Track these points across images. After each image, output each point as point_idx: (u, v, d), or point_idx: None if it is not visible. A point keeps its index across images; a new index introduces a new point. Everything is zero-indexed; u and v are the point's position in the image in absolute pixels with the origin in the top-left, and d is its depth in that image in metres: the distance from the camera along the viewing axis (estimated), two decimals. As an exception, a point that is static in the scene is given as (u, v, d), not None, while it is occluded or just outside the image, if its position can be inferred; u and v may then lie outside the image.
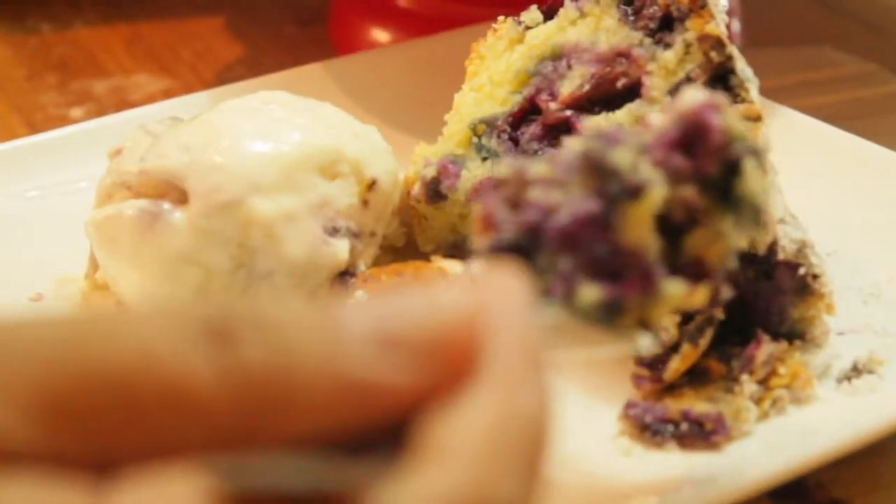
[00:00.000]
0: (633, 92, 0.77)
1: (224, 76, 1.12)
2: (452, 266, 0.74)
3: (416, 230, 0.82)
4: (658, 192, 0.53)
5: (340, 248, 0.76)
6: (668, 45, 0.76)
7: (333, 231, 0.77)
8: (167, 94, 1.09)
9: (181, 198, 0.76)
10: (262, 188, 0.75)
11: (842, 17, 1.21)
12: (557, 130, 0.78)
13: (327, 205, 0.77)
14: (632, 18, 0.79)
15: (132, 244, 0.76)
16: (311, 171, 0.77)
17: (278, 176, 0.76)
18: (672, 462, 0.69)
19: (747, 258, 0.72)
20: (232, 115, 0.79)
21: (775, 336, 0.73)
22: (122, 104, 1.07)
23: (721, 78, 0.74)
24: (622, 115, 0.76)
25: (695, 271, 0.55)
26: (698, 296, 0.55)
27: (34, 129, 1.04)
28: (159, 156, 0.77)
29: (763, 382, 0.72)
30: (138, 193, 0.77)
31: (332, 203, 0.77)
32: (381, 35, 1.11)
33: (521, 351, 0.43)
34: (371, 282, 0.73)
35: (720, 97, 0.56)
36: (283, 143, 0.77)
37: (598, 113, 0.77)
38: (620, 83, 0.77)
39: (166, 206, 0.76)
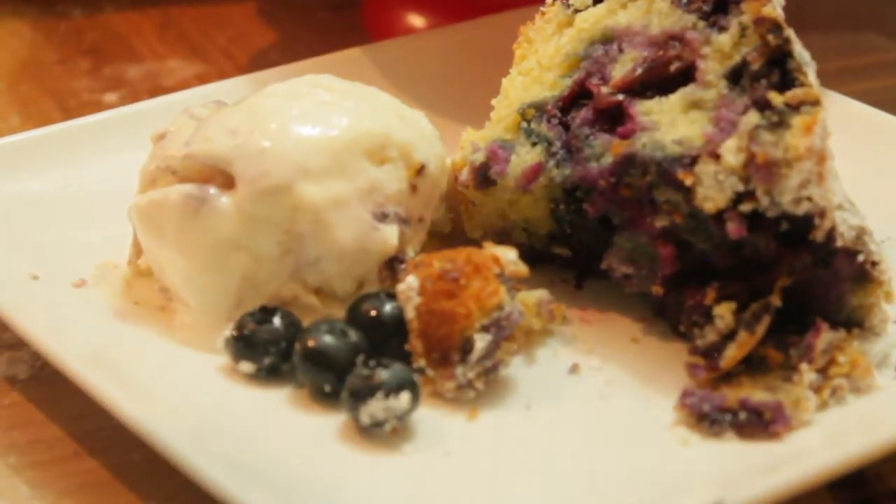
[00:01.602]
0: (686, 76, 0.75)
1: (258, 61, 1.11)
2: (505, 253, 0.73)
3: (463, 216, 0.80)
4: None
5: (390, 234, 0.75)
6: (722, 29, 0.75)
7: (382, 217, 0.76)
8: (201, 80, 1.07)
9: (227, 182, 0.75)
10: (311, 173, 0.74)
11: (884, 1, 1.20)
12: (609, 115, 0.76)
13: (376, 190, 0.75)
14: (684, 1, 0.77)
15: (177, 230, 0.75)
16: (359, 156, 0.75)
17: (327, 161, 0.74)
18: (730, 452, 0.68)
19: (805, 245, 0.71)
20: (278, 99, 0.77)
21: (833, 324, 0.72)
22: (157, 89, 1.06)
23: (778, 61, 0.73)
24: (676, 99, 0.75)
25: None
26: None
27: (68, 114, 1.03)
28: (205, 140, 0.76)
29: (822, 371, 0.71)
30: (183, 178, 0.76)
31: (380, 188, 0.76)
32: (415, 20, 1.10)
33: None
34: (422, 268, 0.72)
35: None
36: (331, 127, 0.76)
37: (651, 97, 0.76)
38: (674, 67, 0.76)
39: (212, 191, 0.74)
